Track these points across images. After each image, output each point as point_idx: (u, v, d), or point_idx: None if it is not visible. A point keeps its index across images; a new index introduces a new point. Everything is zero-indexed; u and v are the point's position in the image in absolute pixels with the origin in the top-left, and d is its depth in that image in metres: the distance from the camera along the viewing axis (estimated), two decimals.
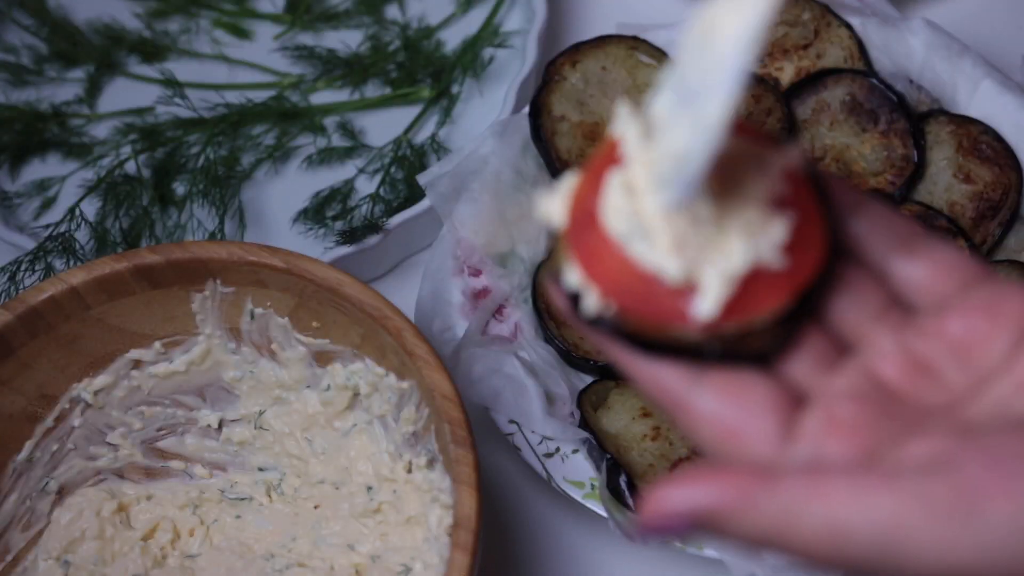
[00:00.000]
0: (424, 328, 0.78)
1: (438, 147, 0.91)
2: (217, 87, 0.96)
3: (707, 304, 0.39)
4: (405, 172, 0.89)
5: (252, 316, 0.74)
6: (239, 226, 0.89)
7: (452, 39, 0.97)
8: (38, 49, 0.99)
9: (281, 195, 0.92)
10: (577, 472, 0.75)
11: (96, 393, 0.75)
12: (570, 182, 0.42)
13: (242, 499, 0.78)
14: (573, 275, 0.41)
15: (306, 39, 0.98)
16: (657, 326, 0.40)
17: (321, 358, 0.74)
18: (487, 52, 0.95)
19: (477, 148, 0.82)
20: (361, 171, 0.92)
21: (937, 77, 0.84)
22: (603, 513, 0.73)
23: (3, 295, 0.83)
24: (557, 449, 0.75)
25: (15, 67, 0.98)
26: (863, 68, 0.84)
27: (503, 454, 0.82)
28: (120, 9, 1.00)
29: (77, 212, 0.87)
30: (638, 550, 0.79)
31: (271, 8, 1.00)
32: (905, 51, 0.84)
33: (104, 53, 0.98)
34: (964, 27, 0.89)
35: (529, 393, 0.76)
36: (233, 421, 0.78)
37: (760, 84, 0.83)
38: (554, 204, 0.42)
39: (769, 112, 0.82)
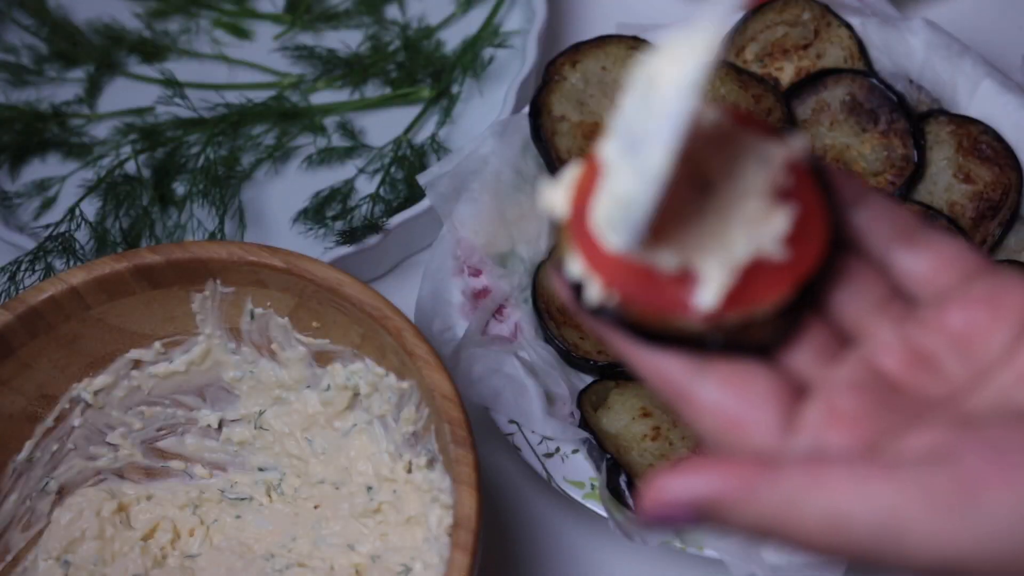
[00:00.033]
0: (424, 328, 0.78)
1: (438, 147, 0.91)
2: (217, 87, 0.96)
3: (709, 295, 0.39)
4: (405, 172, 0.89)
5: (252, 316, 0.74)
6: (239, 226, 0.89)
7: (452, 39, 0.97)
8: (38, 49, 0.99)
9: (281, 195, 0.92)
10: (577, 472, 0.75)
11: (96, 393, 0.75)
12: (573, 173, 0.42)
13: (242, 499, 0.78)
14: (576, 265, 0.41)
15: (306, 39, 0.98)
16: (659, 316, 0.40)
17: (321, 358, 0.74)
18: (487, 52, 0.95)
19: (477, 148, 0.82)
20: (361, 171, 0.92)
21: (937, 77, 0.84)
22: (603, 513, 0.73)
23: (3, 295, 0.83)
24: (557, 449, 0.75)
25: (15, 67, 0.98)
26: (863, 68, 0.84)
27: (503, 454, 0.82)
28: (120, 9, 1.00)
29: (77, 212, 0.87)
30: (638, 550, 0.79)
31: (271, 8, 1.00)
32: (905, 51, 0.84)
33: (104, 53, 0.98)
34: (964, 27, 0.89)
35: (529, 393, 0.76)
36: (233, 421, 0.78)
37: (760, 84, 0.83)
38: (557, 195, 0.42)
39: (769, 112, 0.82)
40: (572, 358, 0.79)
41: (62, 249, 0.85)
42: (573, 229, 0.41)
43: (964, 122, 0.82)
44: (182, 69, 0.97)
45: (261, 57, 0.98)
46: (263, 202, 0.92)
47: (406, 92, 0.94)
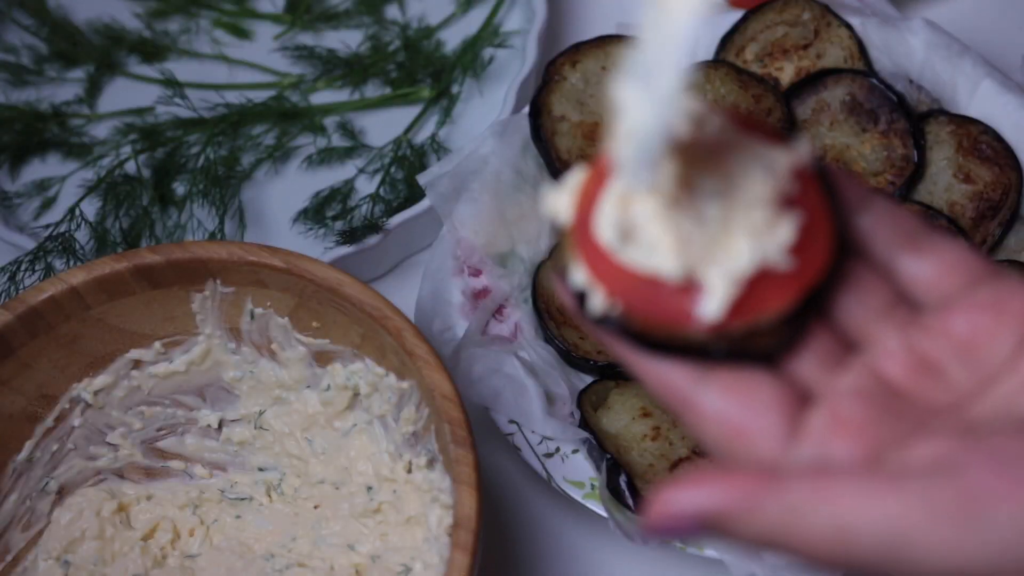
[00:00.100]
0: (424, 328, 0.78)
1: (438, 147, 0.91)
2: (217, 87, 0.96)
3: (713, 305, 0.39)
4: (405, 172, 0.89)
5: (252, 316, 0.74)
6: (239, 226, 0.89)
7: (452, 39, 0.97)
8: (38, 49, 0.99)
9: (281, 195, 0.92)
10: (577, 472, 0.75)
11: (96, 393, 0.75)
12: (577, 178, 0.42)
13: (242, 499, 0.78)
14: (579, 274, 0.41)
15: (306, 39, 0.98)
16: (663, 326, 0.40)
17: (321, 358, 0.74)
18: (487, 52, 0.95)
19: (477, 148, 0.82)
20: (361, 171, 0.92)
21: (937, 77, 0.84)
22: (603, 513, 0.73)
23: (3, 295, 0.83)
24: (557, 449, 0.75)
25: (15, 67, 0.98)
26: (863, 68, 0.84)
27: (503, 454, 0.82)
28: (120, 9, 1.00)
29: (77, 212, 0.87)
30: (638, 550, 0.79)
31: (271, 8, 1.00)
32: (905, 51, 0.84)
33: (104, 53, 0.98)
34: (964, 27, 0.89)
35: (529, 393, 0.76)
36: (233, 421, 0.78)
37: (760, 84, 0.83)
38: (561, 201, 0.42)
39: (769, 112, 0.82)
40: (572, 358, 0.79)
41: (62, 249, 0.85)
42: (576, 237, 0.41)
43: (964, 122, 0.82)
44: (182, 69, 0.97)
45: (261, 57, 0.98)
46: (263, 202, 0.92)
47: (406, 92, 0.94)
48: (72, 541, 0.75)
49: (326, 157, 0.92)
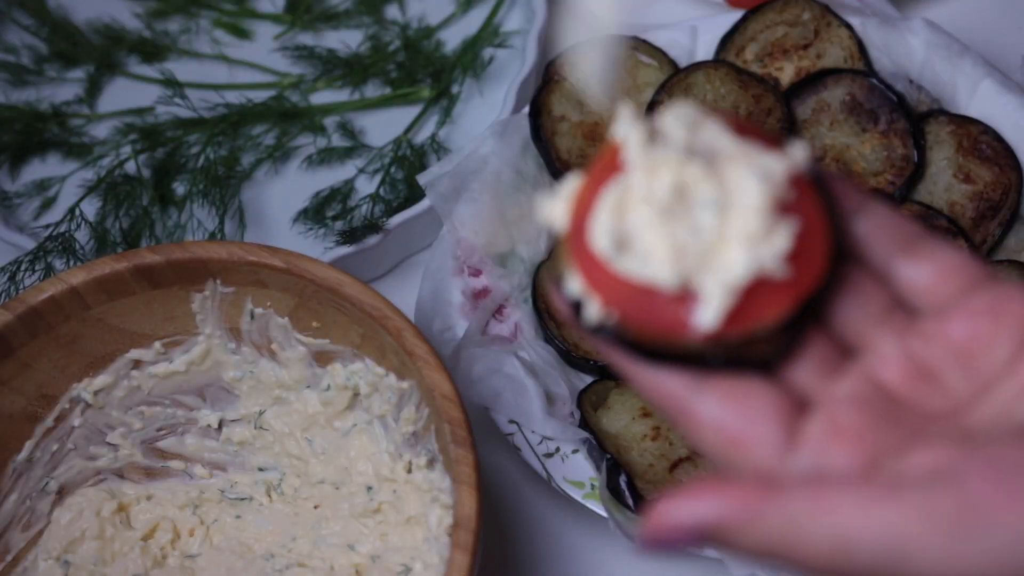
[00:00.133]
0: (424, 328, 0.78)
1: (438, 147, 0.91)
2: (217, 87, 0.96)
3: (709, 314, 0.39)
4: (405, 172, 0.89)
5: (252, 316, 0.74)
6: (239, 226, 0.89)
7: (452, 39, 0.97)
8: (38, 49, 0.99)
9: (281, 195, 0.92)
10: (577, 472, 0.75)
11: (96, 393, 0.75)
12: (572, 185, 0.42)
13: (242, 499, 0.78)
14: (575, 283, 0.41)
15: (306, 39, 0.98)
16: (659, 335, 0.40)
17: (321, 358, 0.74)
18: (487, 52, 0.95)
19: (477, 148, 0.82)
20: (361, 171, 0.92)
21: (937, 77, 0.84)
22: (603, 513, 0.73)
23: (3, 295, 0.83)
24: (557, 449, 0.75)
25: (15, 67, 0.98)
26: (863, 68, 0.84)
27: (503, 454, 0.82)
28: (120, 9, 1.00)
29: (77, 212, 0.87)
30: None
31: (271, 8, 1.00)
32: (905, 51, 0.84)
33: (104, 53, 0.98)
34: (964, 27, 0.89)
35: (529, 393, 0.76)
36: (233, 421, 0.78)
37: (760, 84, 0.83)
38: (556, 208, 0.41)
39: (769, 112, 0.82)
40: (572, 358, 0.79)
41: (62, 249, 0.85)
42: (572, 245, 0.41)
43: (964, 122, 0.82)
44: (182, 69, 0.97)
45: (261, 57, 0.98)
46: (263, 202, 0.92)
47: (406, 92, 0.94)
48: (72, 541, 0.75)
49: (326, 157, 0.92)
